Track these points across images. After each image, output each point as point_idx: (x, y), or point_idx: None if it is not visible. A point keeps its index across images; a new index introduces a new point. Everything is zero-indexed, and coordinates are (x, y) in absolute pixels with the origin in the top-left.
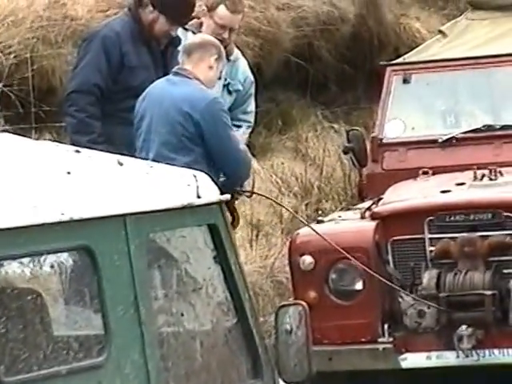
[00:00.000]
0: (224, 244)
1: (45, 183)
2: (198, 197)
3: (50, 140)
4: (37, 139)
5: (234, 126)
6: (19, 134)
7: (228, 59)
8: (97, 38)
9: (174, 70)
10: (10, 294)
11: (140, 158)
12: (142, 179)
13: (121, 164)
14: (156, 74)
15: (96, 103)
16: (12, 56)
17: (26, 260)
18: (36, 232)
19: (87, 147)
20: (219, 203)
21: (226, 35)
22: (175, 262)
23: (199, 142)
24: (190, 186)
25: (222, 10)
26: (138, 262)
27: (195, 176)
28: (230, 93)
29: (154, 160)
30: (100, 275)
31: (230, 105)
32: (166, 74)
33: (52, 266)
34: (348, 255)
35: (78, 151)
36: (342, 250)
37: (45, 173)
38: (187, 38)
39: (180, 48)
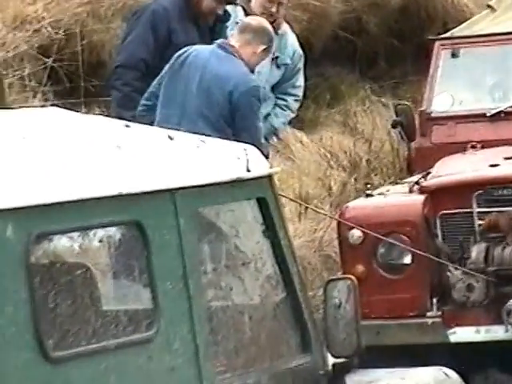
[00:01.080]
0: (273, 218)
1: (94, 157)
2: (248, 170)
3: (99, 114)
4: (86, 113)
5: (282, 99)
6: (68, 109)
7: (276, 33)
8: (146, 13)
9: (219, 42)
10: (59, 268)
11: (163, 120)
12: (191, 153)
13: (171, 138)
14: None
15: (142, 78)
16: (62, 31)
17: (75, 234)
18: (85, 206)
19: (130, 121)
20: (269, 177)
21: (274, 9)
22: (224, 236)
23: (231, 123)
24: (239, 159)
25: None
26: (187, 236)
27: (245, 149)
28: (278, 67)
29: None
30: (149, 249)
31: (278, 78)
32: None
33: (101, 241)
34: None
35: (127, 126)
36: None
37: (94, 147)
38: (237, 13)
39: (229, 23)
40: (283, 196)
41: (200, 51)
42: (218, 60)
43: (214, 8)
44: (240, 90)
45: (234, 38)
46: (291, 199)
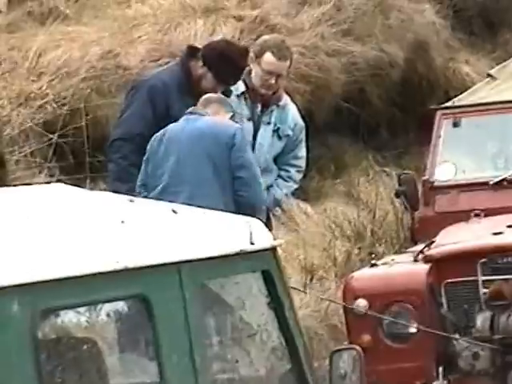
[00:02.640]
0: (278, 290)
1: (100, 232)
2: (252, 243)
3: (104, 189)
4: (91, 189)
5: (284, 170)
6: (74, 184)
7: (277, 105)
8: (144, 87)
9: (188, 111)
10: (66, 343)
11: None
12: (195, 227)
13: (175, 212)
14: None
15: (138, 152)
16: (66, 107)
17: (81, 309)
18: (91, 281)
19: (127, 194)
20: (273, 249)
21: (272, 81)
22: (229, 308)
23: (228, 167)
24: (243, 232)
25: (268, 56)
26: (193, 309)
27: (248, 222)
28: (279, 138)
29: (187, 198)
30: (155, 323)
31: (280, 150)
32: None
33: (108, 315)
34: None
35: (131, 200)
36: None
37: (99, 222)
38: (238, 86)
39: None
40: (294, 288)
41: (173, 126)
42: (194, 121)
43: (213, 89)
44: (228, 133)
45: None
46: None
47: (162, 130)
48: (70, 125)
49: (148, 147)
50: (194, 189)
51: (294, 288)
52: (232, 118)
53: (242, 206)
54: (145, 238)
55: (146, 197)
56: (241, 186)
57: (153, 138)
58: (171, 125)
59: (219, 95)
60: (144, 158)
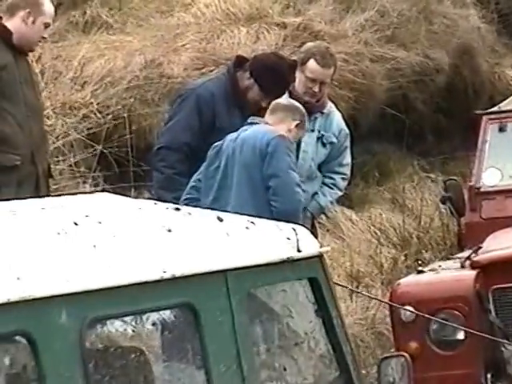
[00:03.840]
0: (325, 297)
1: (146, 241)
2: (298, 250)
3: (148, 198)
4: (136, 197)
5: (329, 177)
6: (119, 193)
7: (322, 112)
8: (191, 96)
9: (249, 120)
10: (113, 352)
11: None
12: (241, 234)
13: (221, 220)
14: (241, 121)
15: (185, 161)
16: (110, 116)
17: (128, 318)
18: (138, 290)
19: (172, 203)
20: (319, 256)
21: (316, 89)
22: (276, 316)
23: (261, 176)
24: (289, 239)
25: (312, 64)
26: (240, 317)
27: (295, 230)
28: (324, 145)
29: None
30: (202, 332)
31: (324, 157)
32: None
33: (154, 324)
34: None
35: (177, 209)
36: None
37: (146, 231)
38: None
39: None
40: (338, 284)
41: (229, 136)
42: (245, 131)
43: (259, 101)
44: (266, 141)
45: (266, 118)
46: (341, 285)
47: (222, 141)
48: (113, 134)
49: (208, 154)
50: (233, 201)
51: (344, 286)
52: (300, 125)
53: (276, 216)
54: (191, 247)
55: (195, 199)
56: (271, 196)
57: (212, 147)
58: (228, 135)
59: (289, 101)
60: (204, 164)
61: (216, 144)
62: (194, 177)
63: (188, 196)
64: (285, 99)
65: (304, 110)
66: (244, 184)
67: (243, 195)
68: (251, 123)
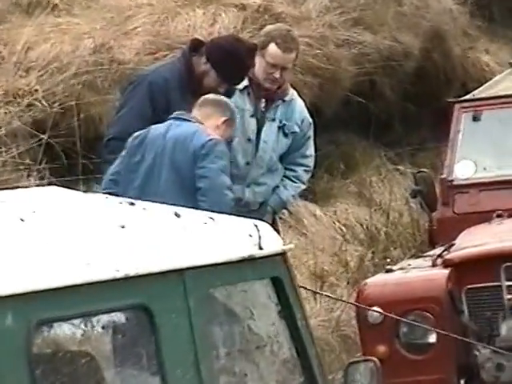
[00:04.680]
0: (288, 298)
1: (98, 238)
2: (260, 248)
3: (98, 192)
4: (85, 191)
5: (291, 170)
6: (66, 187)
7: (283, 100)
8: (143, 83)
9: (175, 114)
10: (61, 357)
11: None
12: (200, 231)
13: (178, 216)
14: None
15: None
16: (56, 104)
17: (78, 321)
18: (89, 290)
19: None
20: (283, 254)
21: (277, 75)
22: (237, 318)
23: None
24: (251, 236)
25: (272, 48)
26: (198, 319)
27: (256, 226)
28: (285, 135)
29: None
30: (158, 335)
31: (286, 148)
32: None
33: (106, 327)
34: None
35: (132, 203)
36: None
37: (97, 227)
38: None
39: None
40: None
41: (154, 129)
42: (176, 128)
43: (215, 87)
44: (200, 144)
45: (194, 113)
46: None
47: (145, 131)
48: (60, 123)
49: (127, 144)
50: (159, 199)
51: (307, 289)
52: (228, 121)
53: None
54: (146, 244)
55: (115, 194)
56: (199, 196)
57: (134, 136)
58: (153, 127)
59: (216, 97)
60: (122, 154)
61: (138, 133)
62: (112, 169)
63: (107, 190)
64: (212, 95)
65: (233, 106)
66: (172, 183)
67: (171, 194)
68: (179, 118)
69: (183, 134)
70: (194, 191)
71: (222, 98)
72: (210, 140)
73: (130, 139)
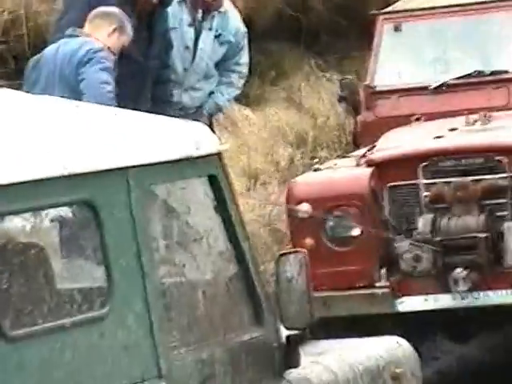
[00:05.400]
0: (224, 194)
1: (46, 138)
2: (197, 148)
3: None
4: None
5: (226, 76)
6: (15, 89)
7: (218, 11)
8: None
9: (67, 32)
10: (12, 248)
11: None
12: (142, 132)
13: (121, 117)
14: (138, 34)
15: None
16: (6, 13)
17: (27, 215)
18: (38, 187)
19: None
20: (218, 154)
21: None
22: (176, 213)
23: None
24: (189, 137)
25: None
26: (140, 214)
27: (194, 127)
28: (221, 44)
29: None
30: (102, 228)
31: (221, 56)
32: (150, 35)
33: (54, 220)
34: None
35: (77, 106)
36: None
37: (46, 127)
38: None
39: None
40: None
41: (48, 50)
42: (64, 45)
43: None
44: (83, 52)
45: (85, 29)
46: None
47: (39, 55)
48: (10, 31)
49: (25, 71)
50: None
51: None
52: (119, 30)
53: None
54: (91, 144)
55: None
56: (83, 97)
57: (30, 61)
58: (47, 48)
59: (106, 9)
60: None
61: (33, 58)
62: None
63: None
64: (102, 8)
65: (122, 16)
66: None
67: None
68: (70, 36)
69: (70, 50)
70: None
71: (112, 9)
72: (92, 48)
73: (27, 68)
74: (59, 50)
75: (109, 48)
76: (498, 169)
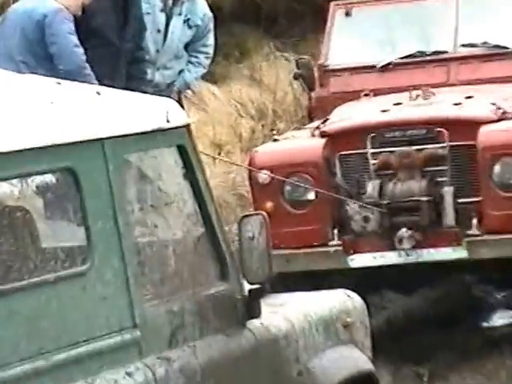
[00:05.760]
0: (192, 162)
1: (31, 112)
2: (168, 121)
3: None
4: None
5: (194, 56)
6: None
7: None
8: None
9: None
10: (1, 211)
11: None
12: (117, 107)
13: (99, 93)
14: (115, 17)
15: None
16: None
17: (15, 181)
18: (25, 156)
19: None
20: (187, 126)
21: None
22: (149, 179)
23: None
24: (160, 111)
25: None
26: (116, 180)
27: (165, 102)
28: (190, 27)
29: None
30: (82, 193)
31: (190, 38)
32: (125, 19)
33: (39, 186)
34: None
35: (59, 83)
36: None
37: (31, 103)
38: None
39: None
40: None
41: (13, 8)
42: (26, 2)
43: None
44: (43, 13)
45: None
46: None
47: (6, 12)
48: None
49: None
50: (14, 66)
51: (207, 155)
52: None
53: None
54: (72, 117)
55: None
56: (55, 61)
57: None
58: (12, 6)
59: None
60: None
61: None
62: None
63: None
64: None
65: None
66: (24, 49)
67: (22, 59)
68: None
69: (31, 6)
70: (45, 56)
71: None
72: (52, 8)
73: None
74: (20, 7)
75: (67, 8)
76: (439, 139)
